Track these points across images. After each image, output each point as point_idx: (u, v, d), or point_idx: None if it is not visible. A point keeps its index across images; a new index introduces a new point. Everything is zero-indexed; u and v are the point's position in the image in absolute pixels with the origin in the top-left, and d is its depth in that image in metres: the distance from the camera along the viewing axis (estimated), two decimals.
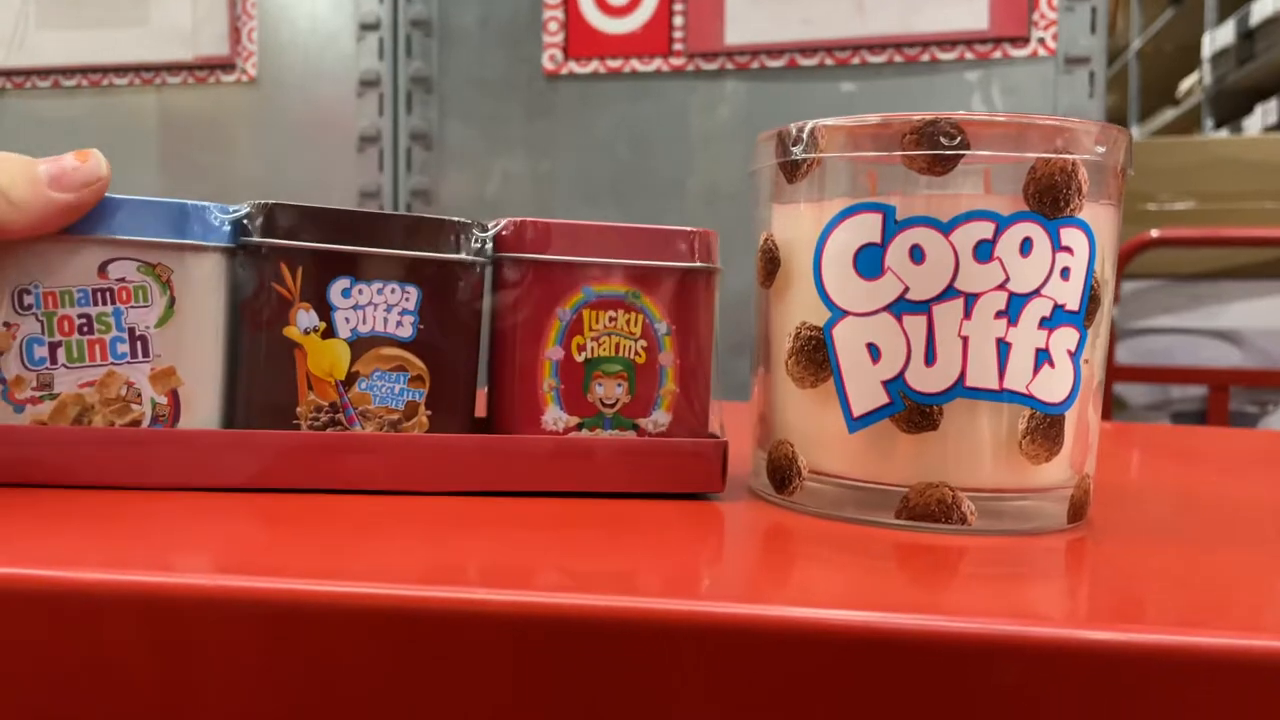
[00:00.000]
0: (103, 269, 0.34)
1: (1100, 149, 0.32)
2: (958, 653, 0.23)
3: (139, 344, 0.34)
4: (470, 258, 0.36)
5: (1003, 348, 0.32)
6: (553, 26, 1.23)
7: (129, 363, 0.34)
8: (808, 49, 1.16)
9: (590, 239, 0.36)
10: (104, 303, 0.34)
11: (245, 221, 0.35)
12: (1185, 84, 3.12)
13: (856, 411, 0.33)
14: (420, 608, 0.24)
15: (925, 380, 0.32)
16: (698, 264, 0.37)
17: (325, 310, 0.35)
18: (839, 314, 0.33)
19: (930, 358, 0.32)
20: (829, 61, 1.16)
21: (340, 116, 1.28)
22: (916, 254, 0.32)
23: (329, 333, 0.35)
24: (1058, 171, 0.31)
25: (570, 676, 0.24)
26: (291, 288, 0.35)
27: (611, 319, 0.36)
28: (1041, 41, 1.10)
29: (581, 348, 0.36)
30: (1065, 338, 0.32)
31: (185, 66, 1.32)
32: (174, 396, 0.35)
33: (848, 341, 0.33)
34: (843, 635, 0.23)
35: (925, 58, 1.12)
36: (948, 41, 1.12)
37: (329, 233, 0.35)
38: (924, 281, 0.32)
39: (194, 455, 0.34)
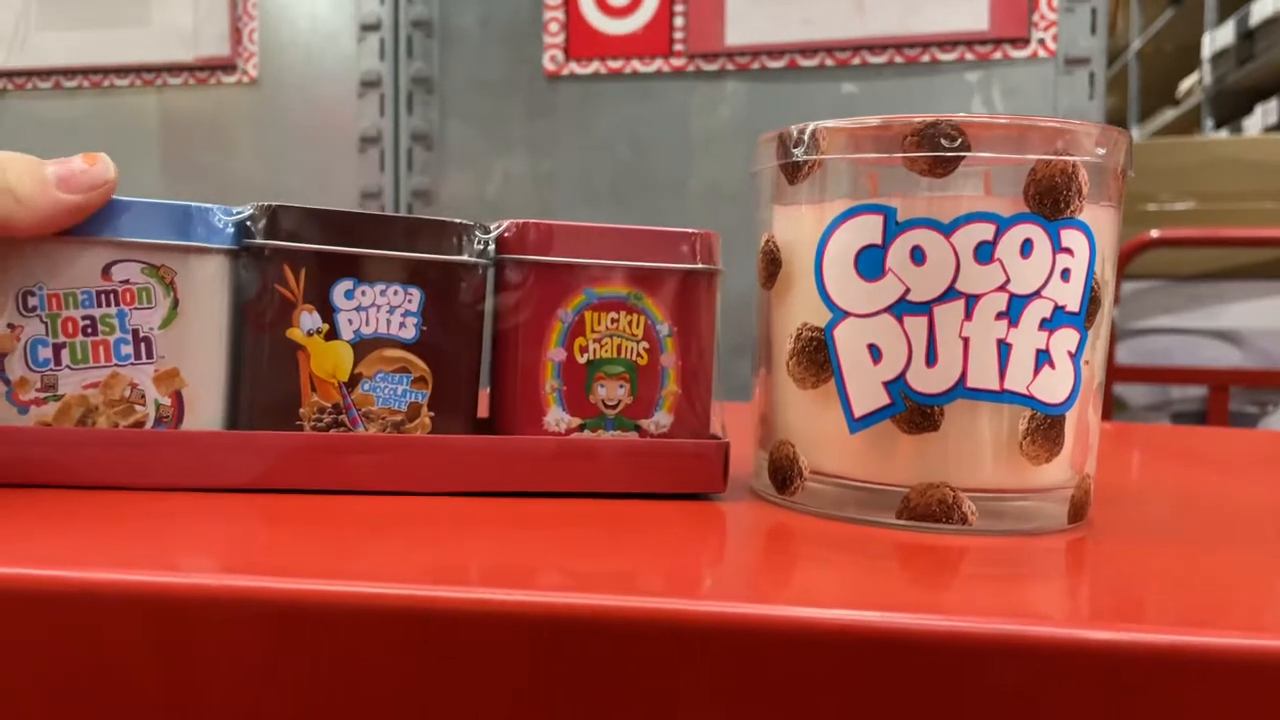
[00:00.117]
0: (106, 271, 0.34)
1: (1100, 151, 0.32)
2: (959, 652, 0.23)
3: (143, 345, 0.34)
4: (473, 259, 0.36)
5: (1003, 349, 0.32)
6: (553, 27, 1.23)
7: (133, 364, 0.34)
8: (808, 50, 1.16)
9: (592, 241, 0.36)
10: (108, 304, 0.34)
11: (248, 223, 0.35)
12: (1185, 84, 3.12)
13: (858, 412, 0.33)
14: (424, 607, 0.24)
15: (926, 381, 0.32)
16: (699, 265, 0.37)
17: (328, 312, 0.35)
18: (840, 315, 0.33)
19: (931, 359, 0.32)
20: (829, 62, 1.16)
21: (341, 117, 1.28)
22: (917, 255, 0.32)
23: (332, 334, 0.35)
24: (1058, 173, 0.31)
25: (573, 676, 0.24)
26: (295, 289, 0.35)
27: (613, 320, 0.36)
28: (1041, 42, 1.10)
29: (584, 349, 0.36)
30: (1065, 339, 0.32)
31: (186, 67, 1.33)
32: (178, 398, 0.35)
33: (849, 342, 0.33)
34: (844, 635, 0.23)
35: (925, 58, 1.13)
36: (948, 42, 1.12)
37: (332, 234, 0.35)
38: (925, 283, 0.32)
39: (198, 456, 0.34)
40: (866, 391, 0.33)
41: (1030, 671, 0.23)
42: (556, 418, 0.36)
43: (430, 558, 0.28)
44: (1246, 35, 2.49)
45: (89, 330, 0.34)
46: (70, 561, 0.25)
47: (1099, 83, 1.09)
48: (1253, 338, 1.42)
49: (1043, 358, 0.32)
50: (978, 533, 0.32)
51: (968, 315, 0.32)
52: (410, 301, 0.36)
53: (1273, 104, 2.45)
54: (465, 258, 0.36)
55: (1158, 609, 0.27)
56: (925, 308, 0.32)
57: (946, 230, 0.32)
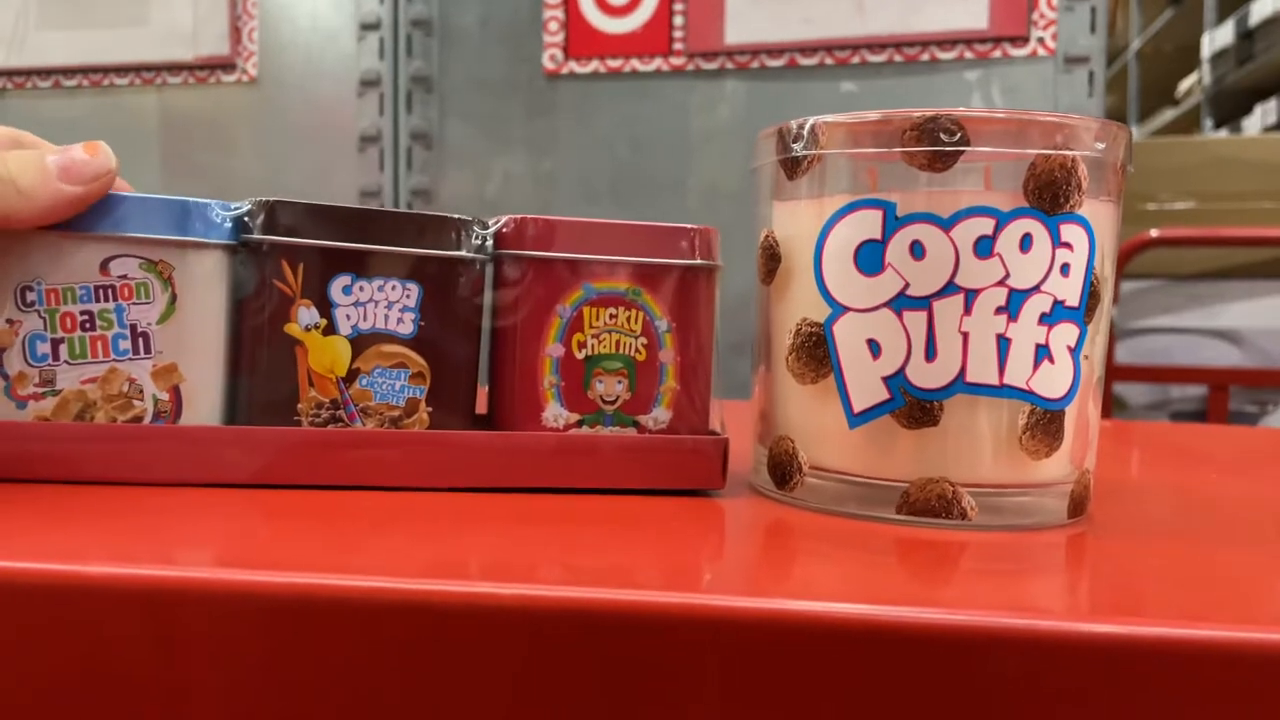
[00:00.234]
0: (105, 266, 0.34)
1: (1100, 145, 0.32)
2: (959, 646, 0.23)
3: (141, 341, 0.34)
4: (471, 255, 0.36)
5: (1003, 343, 0.32)
6: (553, 26, 1.23)
7: (131, 359, 0.34)
8: (808, 48, 1.16)
9: (591, 236, 0.36)
10: (106, 299, 0.34)
11: (246, 219, 0.35)
12: (1185, 84, 3.12)
13: (857, 407, 0.33)
14: (423, 602, 0.24)
15: (926, 376, 0.32)
16: (698, 261, 0.37)
17: (326, 307, 0.35)
18: (839, 310, 0.33)
19: (930, 353, 0.32)
20: (829, 61, 1.16)
21: (341, 116, 1.28)
22: (917, 250, 0.32)
23: (330, 329, 0.35)
24: (1057, 168, 0.31)
25: (572, 671, 0.24)
26: (293, 284, 0.35)
27: (612, 316, 0.36)
28: (1041, 41, 1.10)
29: (582, 345, 0.36)
30: (1065, 333, 0.32)
31: (186, 66, 1.32)
32: (175, 393, 0.35)
33: (848, 338, 0.33)
34: (844, 629, 0.23)
35: (925, 57, 1.13)
36: (947, 41, 1.12)
37: (330, 230, 0.35)
38: (924, 277, 0.32)
39: (195, 451, 0.34)
40: (866, 387, 0.33)
41: (1030, 665, 0.23)
42: (555, 413, 0.36)
43: (429, 553, 0.28)
44: (1246, 35, 2.49)
45: (87, 325, 0.34)
46: (68, 556, 0.25)
47: (1098, 81, 1.09)
48: (1252, 337, 1.42)
49: (1042, 352, 0.32)
50: (977, 528, 0.32)
51: (967, 310, 0.32)
52: (408, 297, 0.36)
53: (1272, 104, 2.45)
54: (463, 253, 0.36)
55: (1157, 603, 0.27)
56: (925, 302, 0.32)
57: (946, 225, 0.32)
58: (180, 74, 1.33)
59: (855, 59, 1.15)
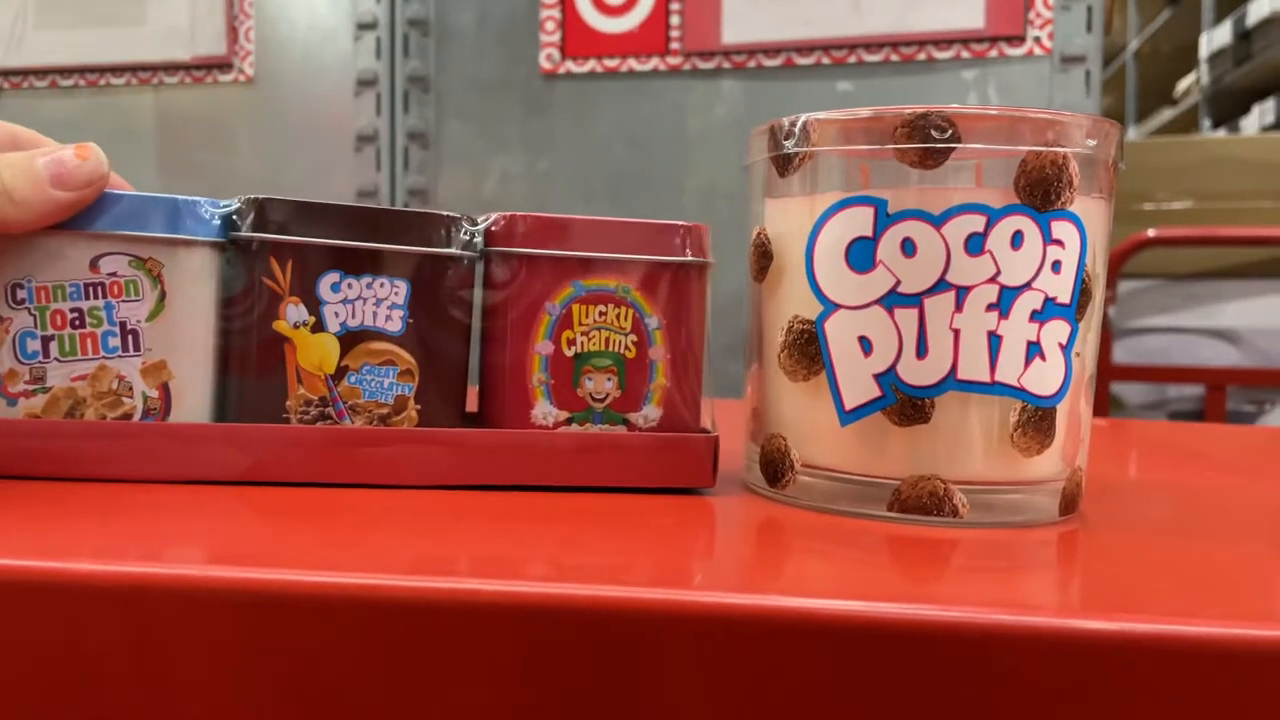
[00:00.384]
0: (94, 263, 0.34)
1: (1091, 142, 0.32)
2: (950, 643, 0.23)
3: (130, 338, 0.34)
4: (459, 252, 0.36)
5: (994, 340, 0.32)
6: (550, 26, 1.23)
7: (120, 356, 0.34)
8: (804, 48, 1.16)
9: (580, 233, 0.36)
10: (95, 297, 0.34)
11: (235, 216, 0.35)
12: (1182, 84, 3.12)
13: (848, 405, 0.33)
14: (410, 598, 0.24)
15: (917, 373, 0.32)
16: (689, 258, 0.37)
17: (315, 304, 0.35)
18: (831, 307, 0.33)
19: (922, 350, 0.32)
20: (825, 60, 1.16)
21: (337, 116, 1.28)
22: (908, 247, 0.32)
23: (318, 327, 0.35)
24: (1048, 164, 0.31)
25: (562, 669, 0.23)
26: (281, 282, 0.35)
27: (601, 313, 0.36)
28: (1037, 40, 1.10)
29: (571, 342, 0.36)
30: (1056, 330, 0.32)
31: (183, 66, 1.32)
32: (165, 390, 0.35)
33: (840, 335, 0.33)
34: (835, 626, 0.23)
35: (921, 56, 1.13)
36: (944, 40, 1.12)
37: (319, 227, 0.35)
38: (915, 274, 0.32)
39: (184, 448, 0.34)
40: (857, 384, 0.33)
41: (1021, 661, 0.22)
42: (544, 411, 0.36)
43: (417, 550, 0.28)
44: (1244, 35, 2.49)
45: (77, 323, 0.34)
46: (54, 553, 0.25)
47: (1094, 81, 1.09)
48: (1250, 336, 1.42)
49: (1034, 349, 0.32)
50: (969, 525, 0.32)
51: (958, 307, 0.32)
52: (397, 294, 0.36)
53: (1270, 104, 2.45)
54: (452, 250, 0.36)
55: (1148, 599, 0.26)
56: (916, 299, 0.32)
57: (937, 222, 0.31)
58: (177, 74, 1.33)
59: (852, 58, 1.15)
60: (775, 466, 0.35)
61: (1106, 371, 1.33)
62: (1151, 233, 1.32)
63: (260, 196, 0.35)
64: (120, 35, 1.34)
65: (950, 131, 0.31)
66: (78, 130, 1.35)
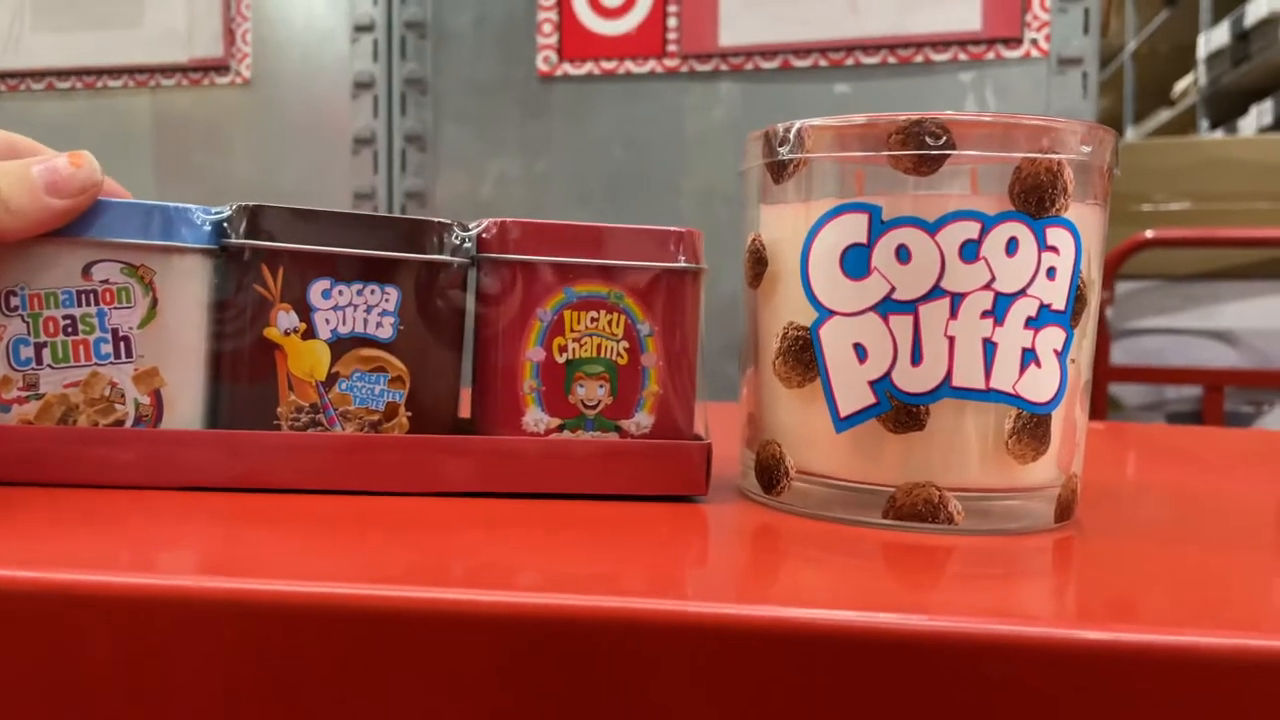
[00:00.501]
0: (87, 271, 0.34)
1: (1086, 149, 0.32)
2: (945, 653, 0.23)
3: (122, 345, 0.34)
4: (451, 258, 0.36)
5: (989, 347, 0.32)
6: (547, 28, 1.22)
7: (112, 363, 0.34)
8: (801, 50, 1.16)
9: (572, 239, 0.36)
10: (88, 304, 0.34)
11: (227, 223, 0.35)
12: (1180, 85, 3.13)
13: (843, 411, 0.33)
14: (403, 609, 0.24)
15: (912, 380, 0.32)
16: (682, 264, 0.36)
17: (305, 311, 0.35)
18: (826, 314, 0.33)
19: (917, 358, 0.32)
20: (823, 63, 1.15)
21: (335, 118, 1.28)
22: (903, 254, 0.32)
23: (309, 334, 0.35)
24: (1043, 171, 0.31)
25: (554, 678, 0.23)
26: (272, 289, 0.35)
27: (593, 320, 0.36)
28: (1034, 43, 1.10)
29: (563, 349, 0.36)
30: (1052, 337, 0.32)
31: (179, 68, 1.32)
32: (156, 397, 0.35)
33: (834, 342, 0.33)
34: (830, 635, 0.23)
35: (919, 59, 1.12)
36: (941, 42, 1.11)
37: (309, 234, 0.35)
38: (910, 281, 0.32)
39: (176, 455, 0.34)
40: (852, 391, 0.33)
41: (1017, 671, 0.22)
42: (535, 418, 0.36)
43: (409, 558, 0.28)
44: (1241, 36, 2.49)
45: (69, 330, 0.34)
46: (45, 562, 0.25)
47: (1092, 82, 1.09)
48: (1247, 338, 1.42)
49: (1029, 356, 0.32)
50: (964, 532, 0.32)
51: (953, 314, 0.31)
52: (387, 301, 0.35)
53: (1267, 104, 2.45)
54: (443, 257, 0.36)
55: (1145, 608, 0.26)
56: (911, 306, 0.32)
57: (932, 229, 0.31)
58: (174, 76, 1.33)
59: (849, 61, 1.14)
60: (770, 473, 0.35)
61: (1104, 373, 1.33)
62: (1150, 234, 1.32)
63: (251, 204, 0.35)
64: (117, 37, 1.34)
65: (945, 138, 0.31)
66: (74, 132, 1.35)
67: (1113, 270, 1.35)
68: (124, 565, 0.26)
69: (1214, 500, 0.40)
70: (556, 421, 0.36)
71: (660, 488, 0.35)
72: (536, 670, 0.23)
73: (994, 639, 0.22)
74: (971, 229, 0.31)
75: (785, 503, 0.35)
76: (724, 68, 1.18)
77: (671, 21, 1.19)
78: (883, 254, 0.32)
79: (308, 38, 1.29)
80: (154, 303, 0.34)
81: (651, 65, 1.20)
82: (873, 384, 0.32)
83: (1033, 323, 0.32)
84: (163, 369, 0.35)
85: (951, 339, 0.31)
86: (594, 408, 0.36)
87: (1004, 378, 0.32)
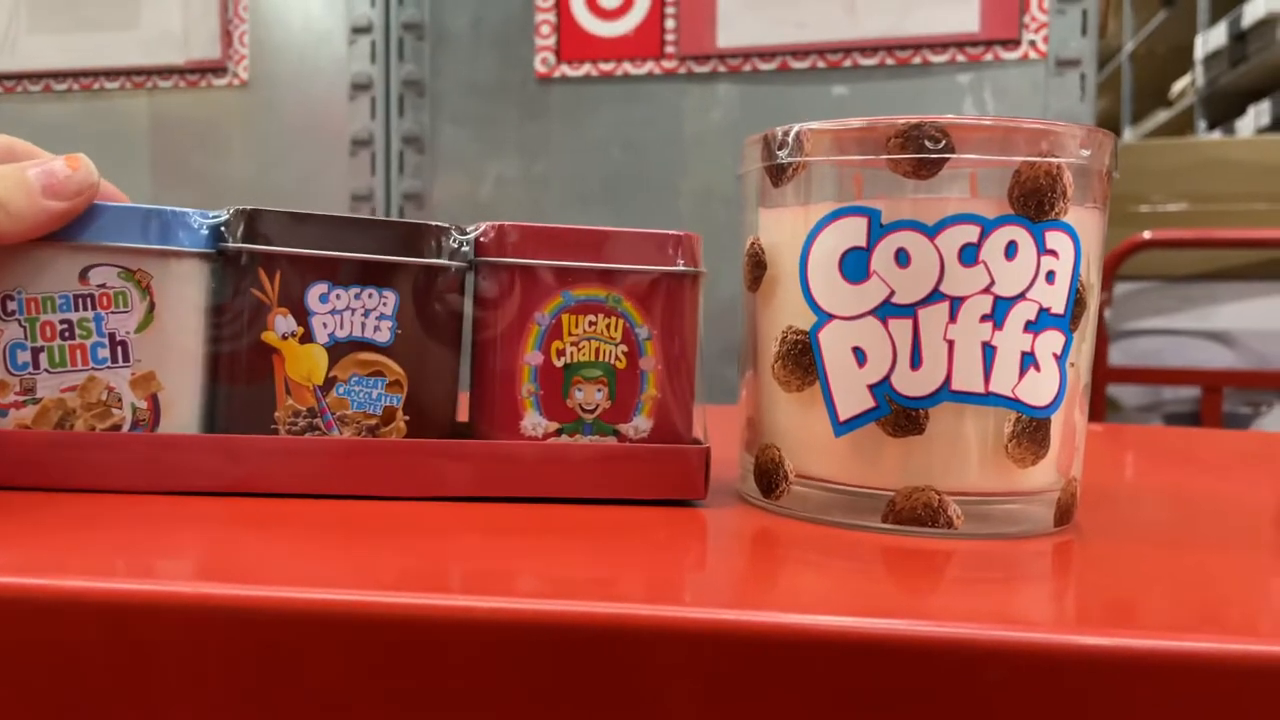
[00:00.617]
0: (84, 275, 0.34)
1: (1085, 152, 0.32)
2: (945, 658, 0.22)
3: (119, 349, 0.34)
4: (448, 262, 0.36)
5: (988, 351, 0.31)
6: (545, 30, 1.22)
7: (109, 368, 0.34)
8: (799, 52, 1.16)
9: (570, 243, 0.36)
10: (85, 308, 0.34)
11: (224, 227, 0.35)
12: (1178, 86, 3.13)
13: (843, 415, 0.33)
14: (400, 615, 0.23)
15: (911, 384, 0.32)
16: (680, 268, 0.36)
17: (303, 315, 0.35)
18: (825, 318, 0.33)
19: (916, 361, 0.32)
20: (820, 64, 1.15)
21: (332, 120, 1.28)
22: (902, 258, 0.32)
23: (307, 338, 0.35)
24: (1042, 175, 0.31)
25: (552, 684, 0.23)
26: (270, 293, 0.35)
27: (591, 323, 0.36)
28: (1033, 44, 1.10)
29: (561, 352, 0.36)
30: (1051, 341, 0.32)
31: (176, 70, 1.32)
32: (154, 401, 0.34)
33: (834, 345, 0.33)
34: (829, 640, 0.23)
35: (917, 60, 1.12)
36: (939, 44, 1.11)
37: (307, 238, 0.35)
38: (909, 285, 0.32)
39: (173, 459, 0.34)
40: (851, 394, 0.32)
41: (1017, 676, 0.22)
42: (533, 422, 0.36)
43: (406, 564, 0.27)
44: (1239, 37, 2.49)
45: (67, 334, 0.34)
46: (42, 568, 0.25)
47: (1090, 84, 1.09)
48: (1245, 339, 1.42)
49: (1028, 360, 0.32)
50: (964, 536, 0.32)
51: (952, 318, 0.31)
52: (385, 305, 0.35)
53: (1265, 105, 2.45)
54: (440, 260, 0.36)
55: (1145, 613, 0.26)
56: (910, 310, 0.32)
57: (931, 232, 0.31)
58: (171, 78, 1.33)
59: (847, 62, 1.14)
60: (769, 477, 0.35)
61: (1102, 374, 1.33)
62: (1147, 235, 1.32)
63: (249, 207, 0.35)
64: (114, 39, 1.34)
65: (944, 142, 0.31)
66: (71, 134, 1.35)
67: (1110, 271, 1.35)
68: (121, 571, 0.26)
69: (1212, 502, 0.40)
70: (555, 425, 0.36)
71: (659, 492, 0.35)
72: (534, 676, 0.23)
73: (994, 644, 0.22)
74: (971, 232, 0.31)
75: (784, 507, 0.35)
76: (722, 69, 1.18)
77: (669, 23, 1.19)
78: (882, 257, 0.32)
79: (305, 39, 1.29)
80: (151, 307, 0.34)
81: (649, 67, 1.20)
82: (872, 388, 0.32)
83: (1032, 326, 0.32)
84: (160, 373, 0.35)
85: (951, 343, 0.31)
86: (592, 412, 0.36)
87: (1003, 381, 0.32)
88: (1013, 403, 0.32)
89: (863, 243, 0.32)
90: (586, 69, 1.22)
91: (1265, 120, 2.44)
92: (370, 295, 0.35)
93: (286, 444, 0.34)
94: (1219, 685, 0.22)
